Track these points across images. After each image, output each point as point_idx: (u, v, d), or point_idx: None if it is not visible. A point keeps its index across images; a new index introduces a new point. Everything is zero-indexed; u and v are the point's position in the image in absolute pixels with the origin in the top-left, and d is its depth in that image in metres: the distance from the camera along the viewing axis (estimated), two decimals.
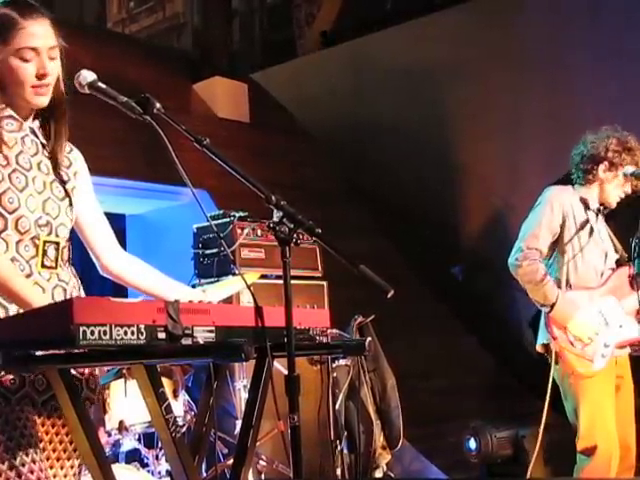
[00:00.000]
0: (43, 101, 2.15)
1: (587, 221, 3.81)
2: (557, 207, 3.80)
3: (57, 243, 2.18)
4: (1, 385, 2.02)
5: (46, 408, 2.12)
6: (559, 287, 3.78)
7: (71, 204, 2.24)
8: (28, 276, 2.11)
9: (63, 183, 2.24)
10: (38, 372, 2.04)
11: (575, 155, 3.90)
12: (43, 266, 2.14)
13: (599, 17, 6.69)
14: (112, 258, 2.38)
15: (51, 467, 2.13)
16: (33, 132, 2.21)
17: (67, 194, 2.24)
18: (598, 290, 3.81)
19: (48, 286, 2.15)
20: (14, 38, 2.08)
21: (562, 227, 3.80)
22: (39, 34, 2.10)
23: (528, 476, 4.14)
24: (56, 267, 2.18)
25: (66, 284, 2.21)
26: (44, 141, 2.23)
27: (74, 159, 2.32)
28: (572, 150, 3.93)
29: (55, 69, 2.15)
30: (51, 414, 2.13)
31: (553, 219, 3.79)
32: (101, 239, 2.37)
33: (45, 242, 2.15)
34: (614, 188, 3.85)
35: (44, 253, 2.14)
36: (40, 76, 2.11)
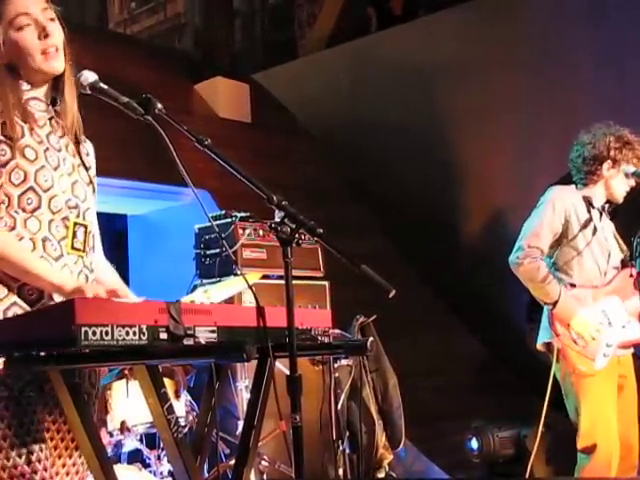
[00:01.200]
0: (57, 66, 2.13)
1: (590, 220, 3.82)
2: (559, 207, 3.81)
3: (85, 226, 2.17)
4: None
5: (52, 396, 2.06)
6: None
7: (94, 190, 2.24)
8: (59, 257, 2.09)
9: (86, 169, 2.23)
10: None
11: (575, 158, 3.89)
12: (73, 248, 2.12)
13: (603, 16, 6.68)
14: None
15: (59, 457, 2.09)
16: (58, 114, 2.20)
17: (90, 180, 2.23)
18: (602, 289, 3.81)
19: (75, 269, 2.13)
20: (4, 12, 2.09)
21: (564, 226, 3.80)
22: (26, 1, 2.09)
23: (527, 475, 4.13)
24: (84, 250, 2.16)
25: (89, 272, 2.19)
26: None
27: (89, 149, 2.32)
28: (569, 153, 3.93)
29: (57, 30, 2.13)
30: (58, 403, 2.11)
31: (554, 219, 3.80)
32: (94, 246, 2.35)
33: (75, 224, 2.13)
34: (619, 184, 3.86)
35: (74, 235, 2.13)
36: (43, 37, 2.09)
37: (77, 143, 2.23)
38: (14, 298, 2.03)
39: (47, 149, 2.11)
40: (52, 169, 2.10)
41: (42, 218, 2.07)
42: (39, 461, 2.00)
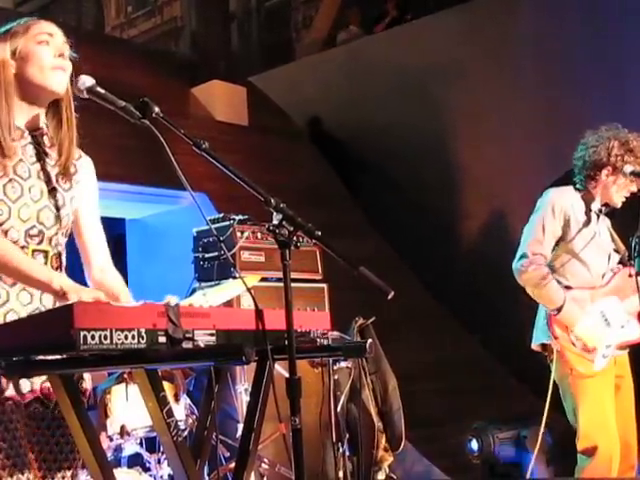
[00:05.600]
0: (61, 85, 2.19)
1: (589, 222, 3.80)
2: (558, 210, 3.78)
3: (46, 252, 2.19)
4: None
5: (28, 411, 2.10)
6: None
7: (67, 213, 2.25)
8: (14, 283, 2.12)
9: (63, 191, 2.25)
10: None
11: (577, 159, 3.87)
12: None
13: (597, 17, 6.69)
14: (98, 273, 2.37)
15: (43, 478, 2.12)
16: (35, 139, 2.23)
17: (64, 203, 2.25)
18: (600, 290, 3.80)
19: (36, 292, 2.16)
20: (31, 28, 2.20)
21: (564, 229, 3.79)
22: (54, 27, 2.23)
23: (528, 476, 4.13)
24: None
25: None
26: (48, 149, 2.24)
27: (80, 166, 2.33)
28: (575, 151, 3.90)
29: (69, 65, 2.21)
30: (37, 422, 2.12)
31: (555, 223, 3.77)
32: (97, 253, 2.39)
33: (34, 251, 2.17)
34: (618, 190, 3.83)
35: None
36: (58, 55, 2.18)
37: (64, 170, 2.26)
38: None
39: (9, 181, 2.14)
40: (11, 202, 2.13)
41: None
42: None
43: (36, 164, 2.22)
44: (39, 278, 2.03)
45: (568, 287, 3.78)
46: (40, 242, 2.18)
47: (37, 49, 2.17)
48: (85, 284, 2.37)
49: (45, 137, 2.25)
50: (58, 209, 2.23)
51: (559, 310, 3.70)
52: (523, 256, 3.77)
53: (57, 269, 2.24)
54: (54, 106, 2.26)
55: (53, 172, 2.24)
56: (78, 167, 2.32)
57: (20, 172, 2.17)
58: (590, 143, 3.82)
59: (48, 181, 2.22)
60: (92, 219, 2.39)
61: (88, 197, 2.37)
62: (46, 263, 2.19)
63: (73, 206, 2.29)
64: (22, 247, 2.14)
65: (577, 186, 3.89)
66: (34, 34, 2.18)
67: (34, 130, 2.23)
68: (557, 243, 3.82)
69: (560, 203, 3.81)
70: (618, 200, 3.87)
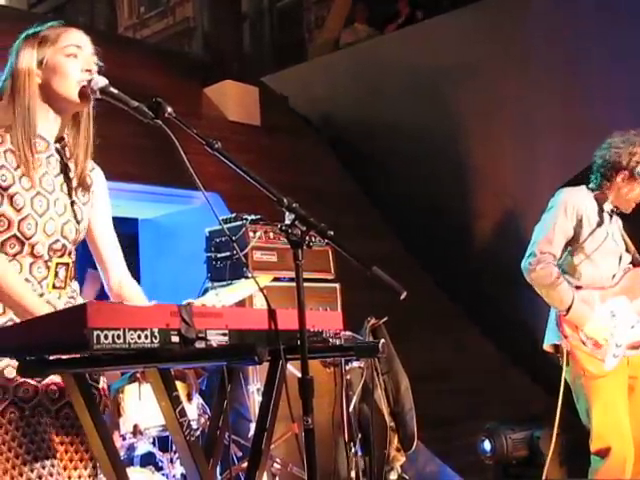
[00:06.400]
0: (82, 94, 2.16)
1: (601, 222, 3.78)
2: (571, 210, 3.76)
3: (67, 264, 2.22)
4: (15, 395, 2.04)
5: (59, 416, 2.14)
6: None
7: (85, 227, 2.28)
8: (40, 296, 2.14)
9: (81, 204, 2.27)
10: (50, 377, 2.06)
11: (598, 157, 3.84)
12: (54, 287, 2.18)
13: (611, 16, 6.65)
14: (116, 284, 2.38)
15: (68, 476, 2.15)
16: (58, 152, 2.23)
17: (83, 217, 2.26)
18: (610, 290, 3.78)
19: (59, 304, 2.18)
20: (60, 37, 2.17)
21: (575, 229, 3.77)
22: (83, 38, 2.20)
23: (544, 478, 4.11)
24: (65, 287, 2.22)
25: (74, 300, 2.25)
26: (67, 161, 2.25)
27: (95, 177, 2.34)
28: (597, 149, 3.86)
29: (96, 74, 2.18)
30: (64, 423, 2.15)
31: (567, 223, 3.75)
32: (113, 264, 2.40)
33: (57, 264, 2.19)
34: (630, 195, 3.81)
35: (55, 275, 2.18)
36: (85, 71, 2.16)
37: (81, 182, 2.27)
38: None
39: (37, 194, 2.14)
40: (38, 216, 2.14)
41: (23, 261, 2.13)
42: (51, 475, 2.04)
43: (59, 176, 2.22)
44: (27, 306, 2.03)
45: (578, 287, 3.76)
46: (62, 255, 2.20)
47: (65, 62, 2.15)
48: None
49: (66, 148, 2.26)
50: (78, 222, 2.25)
51: (568, 310, 3.68)
52: (532, 254, 3.75)
53: (72, 280, 2.27)
54: (74, 116, 2.26)
55: (72, 184, 2.25)
56: (93, 178, 2.33)
57: (45, 185, 2.17)
58: (615, 144, 3.78)
59: (69, 194, 2.23)
60: (108, 231, 2.41)
61: (103, 209, 2.39)
62: (67, 276, 2.21)
63: (89, 218, 2.31)
64: (46, 261, 2.16)
65: (591, 185, 3.85)
66: (63, 45, 2.16)
67: (57, 141, 2.24)
68: (568, 243, 3.80)
69: (573, 203, 3.78)
70: (629, 206, 3.84)
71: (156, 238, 7.07)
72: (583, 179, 3.93)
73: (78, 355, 1.71)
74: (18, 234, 2.11)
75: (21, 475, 2.00)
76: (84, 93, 2.15)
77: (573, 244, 3.79)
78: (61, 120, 2.22)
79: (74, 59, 2.15)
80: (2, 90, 2.17)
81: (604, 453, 3.65)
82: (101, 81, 2.13)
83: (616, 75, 6.49)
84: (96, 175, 2.35)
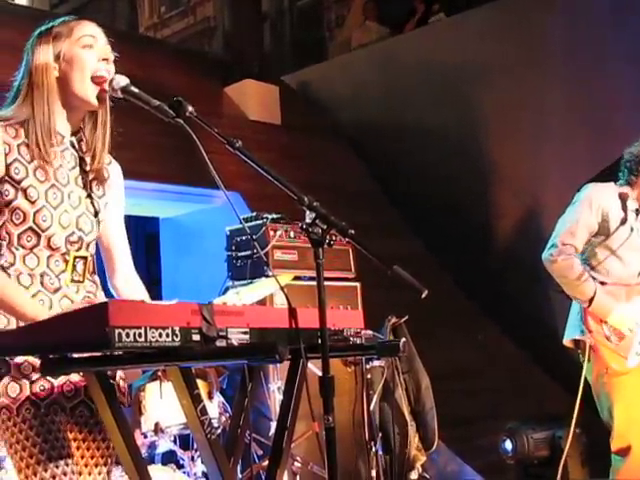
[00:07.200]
0: (99, 98, 2.17)
1: (626, 219, 3.75)
2: (596, 206, 3.74)
3: (85, 258, 2.22)
4: (31, 392, 2.05)
5: (74, 414, 2.15)
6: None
7: (102, 219, 2.28)
8: (57, 290, 2.15)
9: (97, 198, 2.27)
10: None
11: (627, 153, 3.82)
12: (72, 281, 2.19)
13: (629, 14, 6.59)
14: (122, 280, 2.39)
15: (80, 473, 2.15)
16: (73, 145, 2.24)
17: (99, 209, 2.27)
18: (636, 287, 3.75)
19: (77, 298, 2.19)
20: (74, 30, 2.18)
21: (600, 225, 3.74)
22: (96, 29, 2.22)
23: (559, 477, 4.08)
24: (83, 281, 2.22)
25: (93, 294, 2.25)
26: (83, 154, 2.26)
27: (111, 171, 2.35)
28: (628, 146, 3.85)
29: (112, 68, 2.19)
30: (78, 421, 2.16)
31: (591, 217, 3.73)
32: (121, 260, 2.40)
33: (75, 257, 2.19)
34: None
35: (73, 268, 2.19)
36: (102, 60, 2.17)
37: (98, 176, 2.28)
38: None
39: (51, 186, 2.16)
40: (52, 208, 2.15)
41: (40, 254, 2.14)
42: (64, 474, 2.04)
43: (74, 170, 2.23)
44: (25, 312, 2.04)
45: (603, 283, 3.74)
46: (79, 249, 2.20)
47: (82, 54, 2.16)
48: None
49: (82, 142, 2.26)
50: (95, 215, 2.25)
51: (590, 301, 3.65)
52: (554, 245, 3.73)
53: (92, 274, 2.27)
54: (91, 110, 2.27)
55: (89, 178, 2.26)
56: (109, 172, 2.34)
57: (60, 178, 2.18)
58: None
59: (85, 187, 2.24)
60: (120, 227, 2.41)
61: (117, 204, 2.39)
62: (85, 269, 2.22)
63: (106, 212, 2.31)
64: (63, 254, 2.17)
65: (620, 181, 3.83)
66: (78, 37, 2.17)
67: (73, 134, 2.25)
68: (593, 238, 3.76)
69: (598, 199, 3.76)
70: None
71: (177, 237, 7.10)
72: (609, 177, 3.90)
73: (99, 353, 1.72)
74: (34, 226, 2.12)
75: (35, 475, 2.02)
76: (102, 97, 2.17)
77: (598, 239, 3.76)
78: (77, 114, 2.23)
79: (90, 49, 2.17)
80: (19, 89, 2.18)
81: (625, 452, 3.63)
82: (122, 80, 2.14)
83: (635, 75, 6.43)
84: (112, 169, 2.36)
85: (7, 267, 2.11)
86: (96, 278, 2.30)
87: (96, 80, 2.15)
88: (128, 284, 2.38)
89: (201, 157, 1.96)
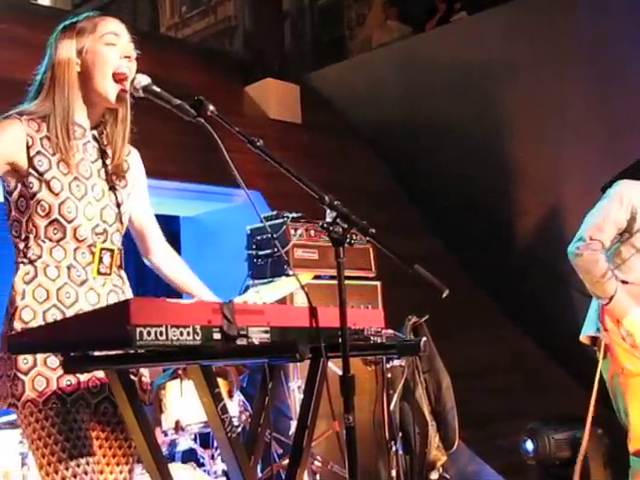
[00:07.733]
0: (119, 97, 2.18)
1: None
2: (627, 202, 3.68)
3: (112, 250, 2.24)
4: (57, 387, 2.06)
5: (98, 411, 2.16)
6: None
7: (125, 211, 2.29)
8: (84, 282, 2.16)
9: (120, 189, 2.28)
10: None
11: None
12: (99, 273, 2.19)
13: None
14: (158, 249, 2.44)
15: (101, 472, 2.16)
16: (95, 138, 2.26)
17: (122, 201, 2.28)
18: None
19: (103, 291, 2.20)
20: (98, 26, 2.19)
21: (629, 222, 3.69)
22: (120, 26, 2.23)
23: (577, 478, 4.04)
24: (110, 273, 2.23)
25: (119, 289, 2.26)
26: (105, 147, 2.27)
27: (131, 161, 2.36)
28: None
29: (134, 66, 2.20)
30: (101, 419, 2.17)
31: (620, 214, 3.67)
32: (152, 234, 2.44)
33: (102, 249, 2.21)
34: None
35: (100, 260, 2.20)
36: (125, 57, 2.18)
37: (118, 168, 2.29)
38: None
39: (74, 179, 2.17)
40: (77, 200, 2.16)
41: (67, 247, 2.15)
42: (85, 473, 2.05)
43: (97, 162, 2.25)
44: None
45: (624, 282, 3.69)
46: (105, 240, 2.22)
47: (104, 50, 2.17)
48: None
49: (104, 135, 2.28)
50: (119, 207, 2.26)
51: (610, 299, 3.62)
52: (581, 239, 3.68)
53: (119, 268, 2.28)
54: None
55: (110, 170, 2.27)
56: (130, 163, 2.35)
57: (82, 171, 2.20)
58: None
59: (107, 179, 2.26)
60: (148, 208, 2.44)
61: (141, 189, 2.41)
62: (112, 262, 2.23)
63: (130, 203, 2.32)
64: (90, 245, 2.18)
65: None
66: (102, 34, 2.18)
67: (94, 127, 2.26)
68: (620, 236, 3.72)
69: (630, 196, 3.70)
70: None
71: (198, 236, 7.12)
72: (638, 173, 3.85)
73: (121, 351, 1.73)
74: (59, 218, 2.13)
75: (56, 472, 2.02)
76: (121, 97, 2.18)
77: (624, 236, 3.72)
78: (98, 110, 2.25)
79: (113, 47, 2.18)
80: (42, 83, 2.20)
81: None
82: (144, 80, 2.15)
83: None
84: (132, 158, 2.37)
85: (34, 260, 2.13)
86: (123, 273, 2.31)
87: (117, 77, 2.16)
88: (168, 253, 2.44)
89: (222, 156, 1.96)
